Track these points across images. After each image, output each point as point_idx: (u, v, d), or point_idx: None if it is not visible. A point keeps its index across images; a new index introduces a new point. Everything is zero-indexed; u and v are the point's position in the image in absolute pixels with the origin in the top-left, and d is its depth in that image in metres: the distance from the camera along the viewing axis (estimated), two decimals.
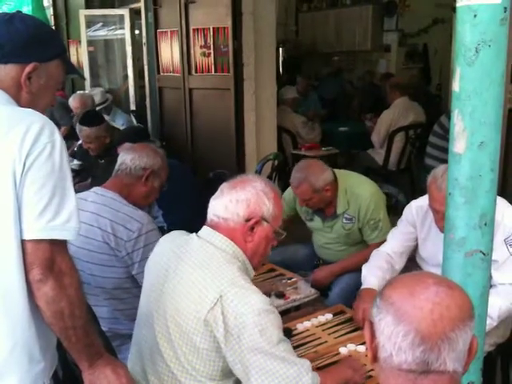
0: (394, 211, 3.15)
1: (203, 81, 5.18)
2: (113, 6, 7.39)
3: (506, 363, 2.41)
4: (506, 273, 2.05)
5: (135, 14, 6.69)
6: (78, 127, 3.84)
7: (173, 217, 3.08)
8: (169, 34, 5.54)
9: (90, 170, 3.96)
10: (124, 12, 6.81)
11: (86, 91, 6.12)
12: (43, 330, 1.34)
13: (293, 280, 2.57)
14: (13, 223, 1.25)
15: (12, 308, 1.29)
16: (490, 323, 1.95)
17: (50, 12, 8.05)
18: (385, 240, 2.56)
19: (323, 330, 2.12)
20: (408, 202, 2.49)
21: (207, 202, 1.71)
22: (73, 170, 3.72)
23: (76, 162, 4.19)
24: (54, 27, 7.51)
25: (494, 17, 1.23)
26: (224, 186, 1.68)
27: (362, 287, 2.30)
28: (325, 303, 2.60)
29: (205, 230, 1.67)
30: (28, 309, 1.30)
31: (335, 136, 6.58)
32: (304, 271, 2.71)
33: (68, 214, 1.29)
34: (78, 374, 1.45)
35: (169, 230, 1.86)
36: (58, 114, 5.39)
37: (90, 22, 7.16)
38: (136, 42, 6.84)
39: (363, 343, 1.95)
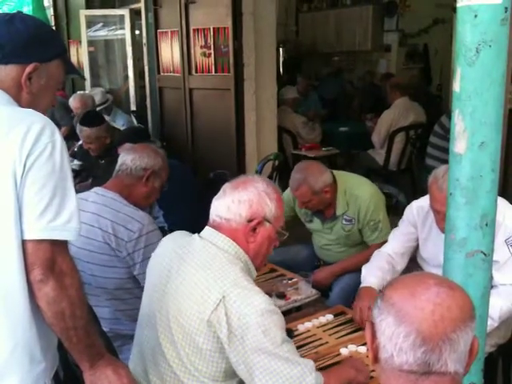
0: (395, 211, 3.15)
1: (203, 81, 5.18)
2: (113, 7, 7.39)
3: (507, 364, 2.41)
4: (506, 273, 2.05)
5: (135, 14, 6.69)
6: (78, 128, 3.84)
7: (173, 217, 3.08)
8: (169, 34, 5.54)
9: (91, 171, 3.96)
10: (124, 12, 6.81)
11: (87, 91, 6.13)
12: (44, 331, 1.34)
13: (293, 281, 2.57)
14: (13, 223, 1.25)
15: (13, 308, 1.29)
16: (491, 324, 1.95)
17: (50, 12, 8.06)
18: (385, 241, 2.56)
19: (324, 331, 2.12)
20: (408, 203, 2.49)
21: (208, 202, 1.71)
22: (73, 171, 3.71)
23: (76, 162, 4.18)
24: (54, 27, 7.51)
25: (494, 17, 1.23)
26: (226, 187, 1.68)
27: (361, 286, 2.30)
28: (325, 304, 2.60)
29: (207, 230, 1.67)
30: (29, 309, 1.30)
31: (335, 136, 6.57)
32: (305, 272, 2.71)
33: (69, 215, 1.29)
34: (79, 375, 1.45)
35: (170, 231, 1.87)
36: (59, 115, 5.39)
37: (91, 22, 7.17)
38: (136, 43, 6.84)
39: (364, 344, 1.95)
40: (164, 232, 2.58)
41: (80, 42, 7.25)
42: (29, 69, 1.38)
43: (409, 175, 5.70)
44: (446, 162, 1.51)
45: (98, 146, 3.78)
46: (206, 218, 1.70)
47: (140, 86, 6.88)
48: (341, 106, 8.34)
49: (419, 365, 0.95)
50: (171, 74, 5.64)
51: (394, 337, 0.96)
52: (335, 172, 2.88)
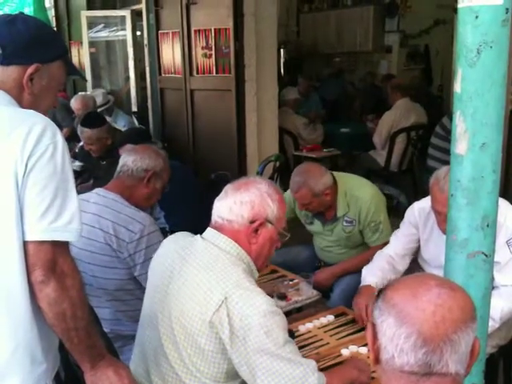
0: (395, 213, 3.15)
1: (204, 82, 5.19)
2: (114, 8, 7.40)
3: (508, 365, 2.40)
4: (508, 274, 2.04)
5: (137, 15, 6.69)
6: (79, 129, 3.84)
7: (175, 218, 3.08)
8: (170, 35, 5.54)
9: (92, 172, 3.96)
10: (125, 13, 6.81)
11: (88, 92, 6.13)
12: (45, 332, 1.34)
13: (294, 281, 2.57)
14: (15, 224, 1.25)
15: (14, 309, 1.29)
16: (493, 325, 1.95)
17: (51, 13, 8.07)
18: (386, 242, 2.56)
19: (325, 332, 2.12)
20: (410, 204, 2.49)
21: (209, 203, 1.71)
22: (74, 172, 3.71)
23: (77, 163, 4.18)
24: (55, 28, 7.52)
25: (495, 18, 1.23)
26: (228, 188, 1.68)
27: (361, 285, 2.31)
28: (326, 305, 2.60)
29: (209, 231, 1.67)
30: (30, 310, 1.30)
31: (337, 137, 6.57)
32: (305, 273, 2.71)
33: (70, 216, 1.29)
34: (80, 376, 1.45)
35: (171, 232, 1.87)
36: (60, 116, 5.40)
37: (92, 24, 7.17)
38: (137, 44, 6.84)
39: (365, 345, 1.95)
40: (165, 233, 2.58)
41: (81, 43, 7.26)
42: (30, 70, 1.38)
43: (410, 176, 5.70)
44: (447, 163, 1.51)
45: (99, 147, 3.78)
46: (207, 219, 1.70)
47: (141, 87, 6.88)
48: (342, 107, 8.35)
49: (420, 366, 0.95)
50: (172, 75, 5.65)
51: (395, 338, 0.96)
52: (335, 173, 2.88)
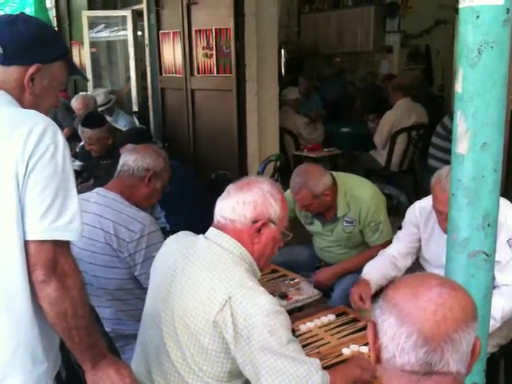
0: (396, 212, 3.16)
1: (205, 82, 5.19)
2: (115, 8, 7.41)
3: (509, 364, 2.40)
4: (509, 274, 2.04)
5: (137, 15, 6.70)
6: (79, 129, 3.84)
7: (175, 218, 3.09)
8: (171, 35, 5.55)
9: (92, 171, 3.96)
10: (126, 13, 6.82)
11: (89, 92, 6.13)
12: (46, 331, 1.34)
13: (295, 281, 2.58)
14: (16, 224, 1.25)
15: (15, 309, 1.29)
16: (494, 324, 1.95)
17: (52, 13, 8.08)
18: (386, 241, 2.57)
19: (326, 331, 2.12)
20: (411, 204, 2.49)
21: (209, 203, 1.71)
22: (75, 171, 3.71)
23: (78, 163, 4.18)
24: (56, 28, 7.53)
25: (496, 18, 1.23)
26: (231, 188, 1.68)
27: (360, 280, 2.34)
28: (327, 304, 2.60)
29: (212, 231, 1.67)
30: (31, 309, 1.30)
31: (337, 137, 6.57)
32: (306, 272, 2.71)
33: (71, 215, 1.29)
34: (81, 375, 1.45)
35: (171, 231, 1.87)
36: (61, 115, 5.40)
37: (93, 24, 7.18)
38: (138, 44, 6.85)
39: (366, 344, 1.95)
40: (166, 233, 2.58)
41: (82, 43, 7.27)
42: (31, 70, 1.38)
43: (411, 176, 5.70)
44: (448, 162, 1.51)
45: (99, 147, 3.78)
46: (207, 218, 1.70)
47: (142, 87, 6.89)
48: (343, 107, 8.35)
49: (421, 365, 0.95)
50: (173, 74, 5.65)
51: (396, 337, 0.96)
52: (335, 173, 2.88)
